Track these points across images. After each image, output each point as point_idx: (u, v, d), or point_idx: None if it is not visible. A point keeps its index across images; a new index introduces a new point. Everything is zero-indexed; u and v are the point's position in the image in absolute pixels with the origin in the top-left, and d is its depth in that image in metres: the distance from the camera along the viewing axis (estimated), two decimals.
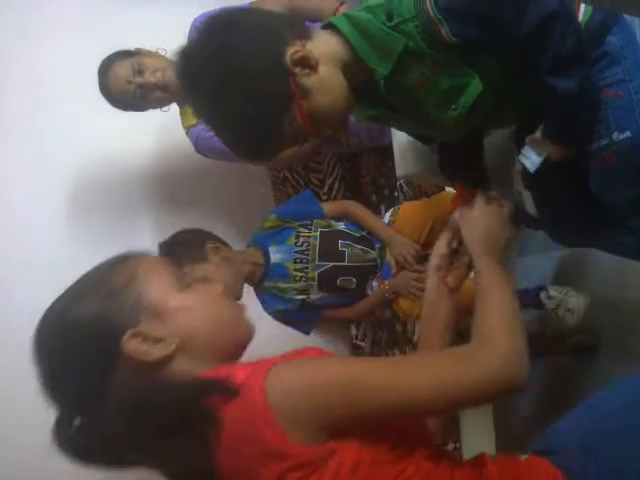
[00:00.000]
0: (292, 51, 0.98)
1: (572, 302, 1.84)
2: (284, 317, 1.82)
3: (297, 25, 1.04)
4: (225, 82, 0.97)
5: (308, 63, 0.99)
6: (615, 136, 1.05)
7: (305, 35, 1.02)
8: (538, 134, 1.10)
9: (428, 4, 0.96)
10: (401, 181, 1.97)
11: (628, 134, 1.05)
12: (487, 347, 0.86)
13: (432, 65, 1.00)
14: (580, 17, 1.05)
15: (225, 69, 0.97)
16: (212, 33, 1.01)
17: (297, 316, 1.82)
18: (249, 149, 1.07)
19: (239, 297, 1.77)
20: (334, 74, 1.03)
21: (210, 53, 0.98)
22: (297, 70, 0.98)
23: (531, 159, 1.12)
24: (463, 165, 1.24)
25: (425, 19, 0.97)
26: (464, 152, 1.24)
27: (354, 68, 1.03)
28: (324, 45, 1.02)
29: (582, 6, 1.05)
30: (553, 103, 1.02)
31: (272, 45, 0.98)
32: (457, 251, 1.16)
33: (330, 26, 1.04)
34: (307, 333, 1.87)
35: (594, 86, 1.05)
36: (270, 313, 1.80)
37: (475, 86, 1.01)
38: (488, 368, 0.82)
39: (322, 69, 1.00)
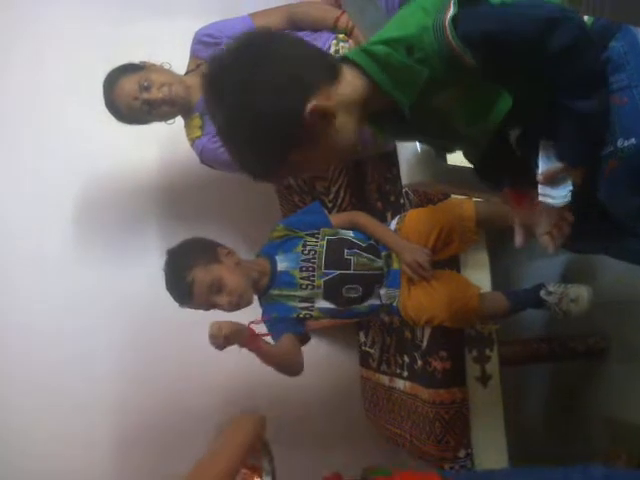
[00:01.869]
0: (314, 105, 0.97)
1: (573, 292, 1.85)
2: (272, 324, 1.78)
3: (328, 64, 1.03)
4: (242, 112, 0.97)
5: (326, 116, 0.99)
6: (620, 143, 1.04)
7: (334, 74, 1.02)
8: (548, 168, 1.09)
9: (450, 37, 0.97)
10: (406, 188, 1.96)
11: (633, 141, 1.03)
12: None
13: (459, 87, 1.02)
14: None
15: (244, 103, 0.97)
16: (243, 60, 0.99)
17: (284, 326, 1.77)
18: (249, 172, 1.07)
19: (250, 302, 1.78)
20: (348, 123, 1.03)
21: (234, 82, 0.98)
22: (312, 121, 0.98)
23: (553, 195, 1.09)
24: (506, 170, 1.24)
25: (448, 51, 0.97)
26: (501, 158, 1.23)
27: (376, 98, 1.04)
28: (349, 86, 1.03)
29: None
30: (572, 125, 1.03)
31: (297, 94, 0.97)
32: None
33: (348, 60, 1.04)
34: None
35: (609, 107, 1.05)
36: (265, 322, 1.78)
37: (505, 102, 1.02)
38: None
39: (338, 120, 1.01)
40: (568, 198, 1.08)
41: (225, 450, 1.06)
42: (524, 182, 1.17)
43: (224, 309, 1.72)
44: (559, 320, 1.91)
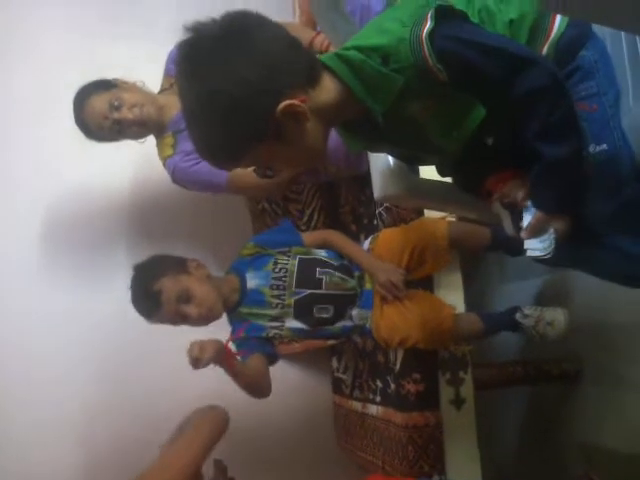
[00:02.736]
0: (286, 104, 0.96)
1: (550, 315, 1.84)
2: (241, 342, 1.74)
3: (313, 69, 1.02)
4: (213, 99, 0.95)
5: (298, 117, 0.98)
6: (592, 149, 1.06)
7: (315, 80, 1.01)
8: (529, 221, 1.09)
9: (427, 53, 0.97)
10: (380, 209, 1.95)
11: (604, 147, 1.05)
12: None
13: (433, 97, 1.02)
14: (554, 33, 1.07)
15: (216, 91, 0.95)
16: (222, 45, 0.96)
17: (253, 345, 1.74)
18: (208, 155, 1.04)
19: (219, 315, 1.74)
20: (317, 131, 1.03)
21: (209, 66, 0.95)
22: (283, 119, 0.97)
23: (537, 247, 1.09)
24: (485, 168, 1.22)
25: (423, 66, 0.98)
26: (477, 159, 1.22)
27: (349, 104, 1.03)
28: (326, 93, 1.02)
29: (557, 21, 1.07)
30: (543, 171, 1.03)
31: (272, 91, 0.96)
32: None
33: (323, 65, 1.03)
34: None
35: (582, 155, 1.04)
36: (234, 340, 1.73)
37: (478, 112, 1.03)
38: None
39: (308, 124, 1.00)
40: (551, 247, 1.08)
41: (187, 448, 1.01)
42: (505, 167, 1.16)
43: (193, 322, 1.67)
44: (534, 343, 1.90)
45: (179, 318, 1.67)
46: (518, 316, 1.87)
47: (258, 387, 1.67)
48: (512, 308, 1.90)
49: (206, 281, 1.72)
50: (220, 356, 1.48)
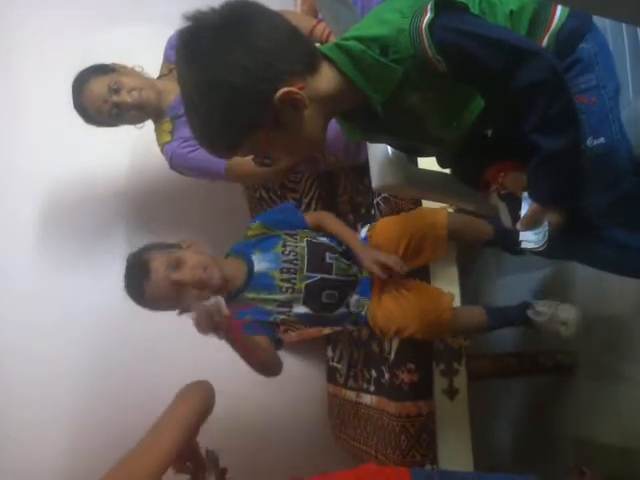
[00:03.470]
0: (285, 91, 0.96)
1: (564, 314, 1.79)
2: (246, 327, 1.63)
3: (312, 57, 1.02)
4: (211, 86, 0.96)
5: (296, 104, 0.98)
6: (589, 142, 1.06)
7: (314, 68, 1.01)
8: (525, 211, 1.09)
9: (426, 44, 0.97)
10: (378, 199, 1.95)
11: (602, 140, 1.06)
12: None
13: (432, 88, 1.02)
14: (554, 24, 1.07)
15: (215, 78, 0.95)
16: (222, 33, 0.96)
17: (258, 328, 1.67)
18: (207, 143, 1.05)
19: (219, 282, 1.62)
20: (315, 120, 1.03)
21: (208, 54, 0.96)
22: (282, 106, 0.97)
23: (531, 239, 1.10)
24: (485, 160, 1.21)
25: (423, 58, 0.98)
26: (478, 152, 1.22)
27: (349, 94, 1.04)
28: (325, 82, 1.02)
29: (557, 12, 1.07)
30: (540, 162, 1.03)
31: (269, 79, 0.96)
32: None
33: (323, 55, 1.04)
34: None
35: (580, 149, 1.04)
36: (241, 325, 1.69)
37: (477, 103, 1.03)
38: None
39: (307, 112, 1.00)
40: (545, 239, 1.08)
41: (168, 428, 1.01)
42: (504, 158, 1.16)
43: (190, 290, 1.56)
44: (529, 335, 1.90)
45: (174, 290, 1.57)
46: (530, 313, 1.82)
47: (267, 363, 1.62)
48: (522, 303, 1.85)
49: (200, 251, 1.66)
50: (227, 321, 1.37)
